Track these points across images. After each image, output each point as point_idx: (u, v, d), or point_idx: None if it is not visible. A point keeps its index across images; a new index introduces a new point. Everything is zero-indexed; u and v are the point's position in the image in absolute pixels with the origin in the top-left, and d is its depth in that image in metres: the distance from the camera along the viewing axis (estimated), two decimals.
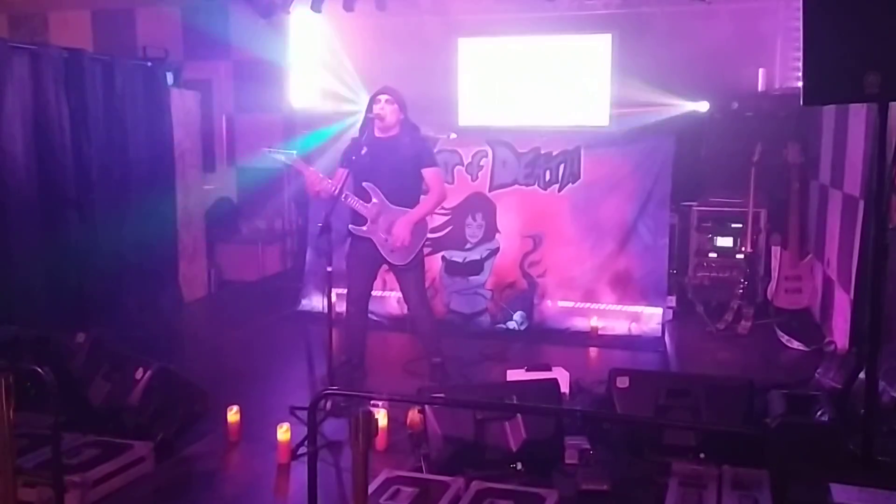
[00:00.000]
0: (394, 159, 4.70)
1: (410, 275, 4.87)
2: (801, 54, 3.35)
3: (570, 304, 6.36)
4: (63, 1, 8.53)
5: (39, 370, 2.98)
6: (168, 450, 3.89)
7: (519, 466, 3.67)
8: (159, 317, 6.37)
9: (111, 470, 3.52)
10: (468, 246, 6.57)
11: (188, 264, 7.18)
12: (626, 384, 3.95)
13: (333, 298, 4.44)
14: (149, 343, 4.98)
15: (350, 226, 4.81)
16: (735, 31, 6.68)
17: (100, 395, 3.96)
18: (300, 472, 3.52)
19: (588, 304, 6.31)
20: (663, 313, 6.22)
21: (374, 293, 5.12)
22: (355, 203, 4.69)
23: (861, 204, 4.99)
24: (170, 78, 6.85)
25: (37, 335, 4.07)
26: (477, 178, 6.59)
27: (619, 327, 6.20)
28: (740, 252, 6.48)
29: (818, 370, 4.58)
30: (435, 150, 5.58)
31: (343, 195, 4.54)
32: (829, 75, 3.32)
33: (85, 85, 5.78)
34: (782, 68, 6.70)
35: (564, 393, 4.35)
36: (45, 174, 5.47)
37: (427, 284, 5.41)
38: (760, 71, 6.63)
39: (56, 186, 5.54)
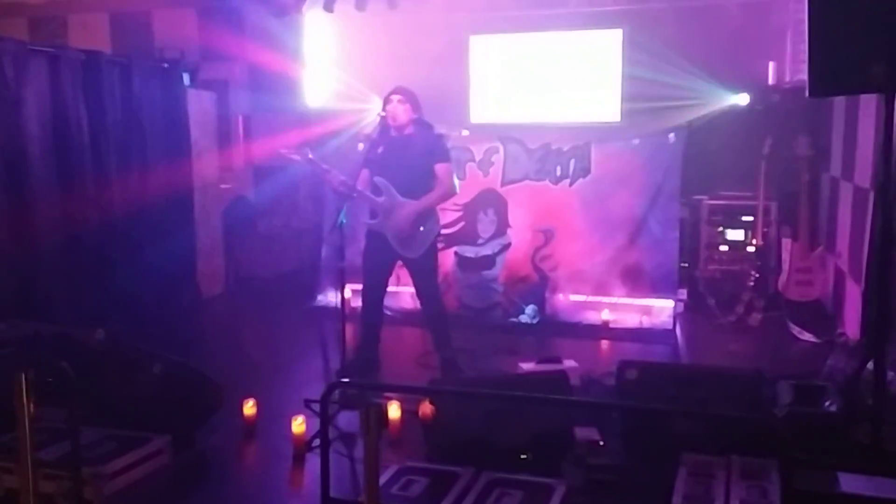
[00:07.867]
0: (407, 156, 4.76)
1: (423, 269, 4.91)
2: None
3: (581, 297, 6.40)
4: (82, 4, 8.64)
5: (60, 365, 3.06)
6: (185, 442, 3.95)
7: (528, 457, 3.70)
8: (178, 313, 6.47)
9: (129, 462, 3.58)
10: (480, 241, 6.62)
11: (206, 261, 7.27)
12: (635, 376, 3.97)
13: (348, 294, 4.49)
14: (167, 338, 5.05)
15: (365, 221, 4.88)
16: (745, 24, 6.68)
17: (118, 390, 4.02)
18: (314, 463, 3.59)
19: (599, 298, 6.34)
20: (674, 306, 6.24)
21: (388, 289, 5.11)
22: (367, 197, 4.76)
23: (871, 195, 4.99)
24: (186, 79, 6.93)
25: (57, 331, 4.14)
26: (488, 173, 6.63)
27: (630, 320, 6.22)
28: (751, 245, 6.50)
29: (828, 361, 4.60)
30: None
31: (355, 192, 4.61)
32: (834, 67, 3.32)
33: (103, 86, 5.88)
34: (792, 61, 6.68)
35: (575, 385, 4.39)
36: (64, 174, 5.56)
37: (440, 279, 5.45)
38: (771, 64, 6.62)
39: (75, 186, 5.64)
